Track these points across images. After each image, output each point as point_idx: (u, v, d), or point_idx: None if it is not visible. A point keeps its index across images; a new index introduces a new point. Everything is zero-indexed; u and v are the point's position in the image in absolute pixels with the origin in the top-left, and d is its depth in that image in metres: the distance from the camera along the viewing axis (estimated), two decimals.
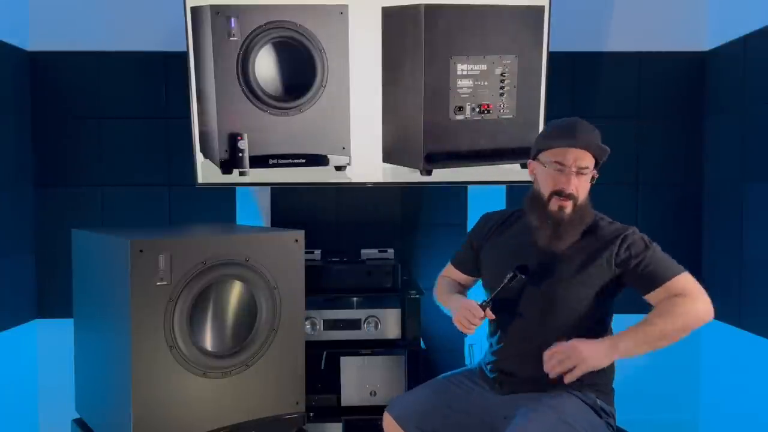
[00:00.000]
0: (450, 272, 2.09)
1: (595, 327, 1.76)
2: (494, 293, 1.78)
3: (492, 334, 1.92)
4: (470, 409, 1.83)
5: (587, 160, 1.74)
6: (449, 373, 1.99)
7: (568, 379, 1.64)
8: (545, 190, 1.77)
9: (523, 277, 1.75)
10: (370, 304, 2.50)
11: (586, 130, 1.78)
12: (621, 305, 1.85)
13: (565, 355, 1.64)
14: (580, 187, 1.75)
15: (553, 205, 1.75)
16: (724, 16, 2.67)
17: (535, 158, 1.82)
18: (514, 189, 2.69)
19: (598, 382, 1.78)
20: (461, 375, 1.95)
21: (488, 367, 1.89)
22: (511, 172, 2.57)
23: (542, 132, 1.88)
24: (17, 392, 2.65)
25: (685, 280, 1.70)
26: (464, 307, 1.78)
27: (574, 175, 1.73)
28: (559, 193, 1.74)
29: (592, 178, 1.79)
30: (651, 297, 1.72)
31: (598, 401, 1.76)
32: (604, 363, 1.65)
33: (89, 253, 2.07)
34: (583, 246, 1.77)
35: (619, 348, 1.65)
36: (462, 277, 2.05)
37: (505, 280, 1.76)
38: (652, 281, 1.71)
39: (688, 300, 1.67)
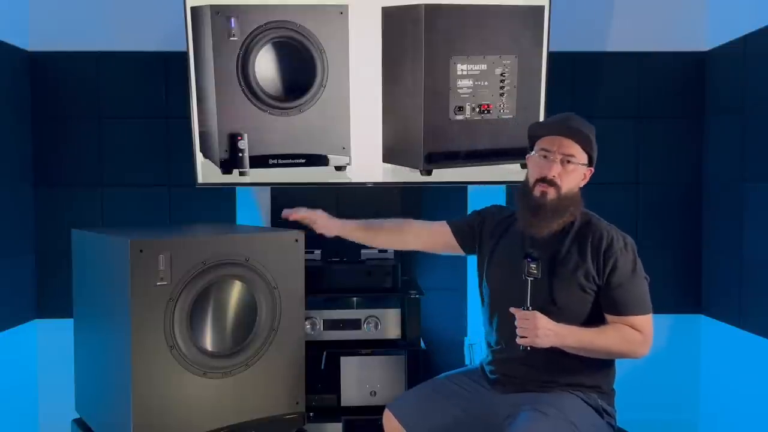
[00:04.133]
0: (430, 225, 2.07)
1: (591, 325, 1.76)
2: (529, 294, 1.73)
3: (488, 334, 1.93)
4: (472, 408, 1.83)
5: (573, 149, 1.78)
6: (450, 372, 1.99)
7: (518, 342, 1.70)
8: (531, 178, 1.82)
9: (533, 264, 1.73)
10: (370, 304, 2.50)
11: (576, 121, 1.82)
12: None
13: (525, 321, 1.69)
14: (564, 175, 1.77)
15: (537, 191, 1.79)
16: (724, 16, 2.67)
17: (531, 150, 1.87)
18: (514, 189, 2.69)
19: (600, 383, 1.79)
20: (462, 374, 1.95)
21: (488, 368, 1.89)
22: (511, 172, 2.57)
23: (534, 123, 1.92)
24: (17, 392, 2.65)
25: (646, 322, 1.75)
26: (521, 319, 1.72)
27: (558, 162, 1.76)
28: (542, 180, 1.78)
29: (585, 176, 1.81)
30: (609, 317, 1.75)
31: (600, 401, 1.76)
32: (545, 345, 1.69)
33: (89, 253, 2.07)
34: (577, 247, 1.78)
35: (565, 342, 1.71)
36: (442, 231, 2.03)
37: (527, 280, 1.73)
38: (618, 308, 1.74)
39: (642, 338, 1.73)
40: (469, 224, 2.02)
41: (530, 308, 1.71)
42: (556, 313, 1.75)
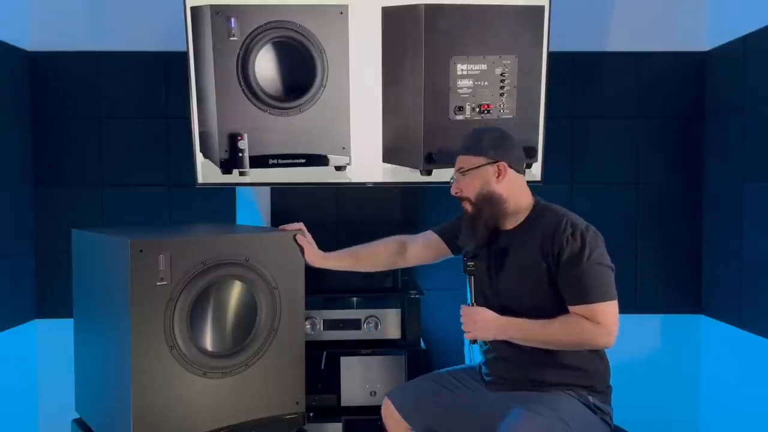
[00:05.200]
0: (422, 239, 2.10)
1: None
2: (471, 290, 1.81)
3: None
4: (468, 404, 1.85)
5: (462, 162, 1.87)
6: (450, 368, 2.01)
7: (465, 337, 1.79)
8: None
9: (470, 263, 1.81)
10: (370, 304, 2.50)
11: (463, 139, 1.92)
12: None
13: (465, 317, 1.78)
14: (461, 187, 1.85)
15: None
16: (724, 16, 2.67)
17: None
18: None
19: (593, 382, 1.78)
20: (462, 371, 1.97)
21: (484, 370, 1.91)
22: None
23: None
24: (17, 392, 2.65)
25: (604, 309, 1.69)
26: (463, 315, 1.81)
27: (455, 181, 1.88)
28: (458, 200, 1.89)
29: (499, 169, 1.81)
30: (570, 308, 1.73)
31: (593, 399, 1.76)
32: (487, 338, 1.79)
33: (89, 253, 2.07)
34: (530, 239, 1.79)
35: (506, 334, 1.75)
36: (432, 241, 2.06)
37: (468, 277, 1.82)
38: (573, 295, 1.71)
39: (598, 329, 1.68)
40: (455, 227, 2.03)
41: (474, 304, 1.79)
42: (517, 309, 1.76)
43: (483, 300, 1.83)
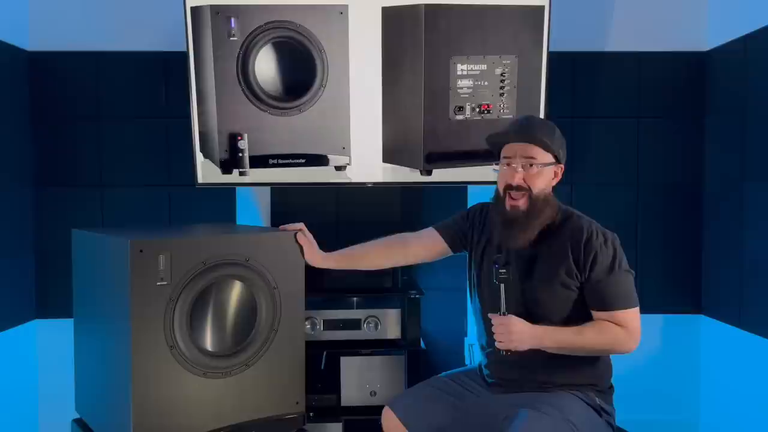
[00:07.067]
0: (422, 237, 2.05)
1: (577, 323, 1.75)
2: (503, 299, 1.74)
3: (480, 337, 1.93)
4: (471, 408, 1.84)
5: (533, 152, 1.76)
6: (450, 371, 2.00)
7: (497, 347, 1.72)
8: (500, 187, 1.81)
9: (503, 270, 1.73)
10: (370, 304, 2.50)
11: (531, 123, 1.82)
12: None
13: (500, 326, 1.70)
14: (530, 178, 1.76)
15: (507, 204, 1.78)
16: (724, 16, 2.67)
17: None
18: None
19: (597, 381, 1.79)
20: (462, 374, 1.96)
21: (486, 371, 1.90)
22: None
23: (491, 134, 1.88)
24: (17, 392, 2.65)
25: (631, 316, 1.73)
26: (497, 325, 1.74)
27: (519, 168, 1.76)
28: (509, 188, 1.77)
29: (557, 173, 1.80)
30: (594, 313, 1.75)
31: (598, 400, 1.76)
32: (522, 348, 1.70)
33: (89, 253, 2.07)
34: (557, 245, 1.77)
35: (542, 344, 1.71)
36: (434, 240, 2.02)
37: (499, 285, 1.74)
38: (601, 303, 1.73)
39: (625, 333, 1.71)
40: (459, 227, 2.01)
41: (506, 313, 1.72)
42: (540, 315, 1.75)
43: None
